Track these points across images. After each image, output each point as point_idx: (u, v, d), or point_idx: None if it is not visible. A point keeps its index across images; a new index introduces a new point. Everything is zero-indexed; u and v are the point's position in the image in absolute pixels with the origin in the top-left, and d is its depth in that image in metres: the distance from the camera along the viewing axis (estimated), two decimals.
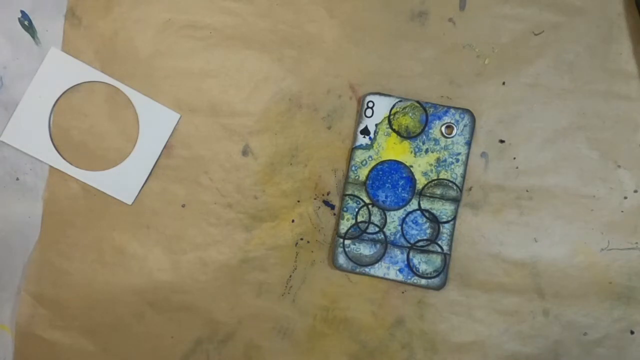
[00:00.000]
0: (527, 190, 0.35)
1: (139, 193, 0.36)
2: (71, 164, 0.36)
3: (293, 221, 0.36)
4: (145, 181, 0.36)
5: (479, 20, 0.35)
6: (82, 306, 0.36)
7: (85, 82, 0.36)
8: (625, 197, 0.34)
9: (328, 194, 0.36)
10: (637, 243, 0.34)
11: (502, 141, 0.35)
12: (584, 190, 0.35)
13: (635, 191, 0.34)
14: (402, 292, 0.35)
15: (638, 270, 0.34)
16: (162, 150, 0.36)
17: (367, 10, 0.35)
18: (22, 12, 0.36)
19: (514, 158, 0.35)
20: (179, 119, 0.36)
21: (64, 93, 0.36)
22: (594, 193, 0.35)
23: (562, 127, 0.35)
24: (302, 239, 0.36)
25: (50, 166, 0.36)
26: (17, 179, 0.37)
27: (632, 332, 0.34)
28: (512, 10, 0.35)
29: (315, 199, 0.36)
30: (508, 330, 0.35)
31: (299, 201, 0.36)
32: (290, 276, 0.36)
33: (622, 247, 0.34)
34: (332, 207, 0.36)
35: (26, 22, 0.36)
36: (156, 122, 0.36)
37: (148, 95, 0.36)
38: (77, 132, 0.36)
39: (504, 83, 0.35)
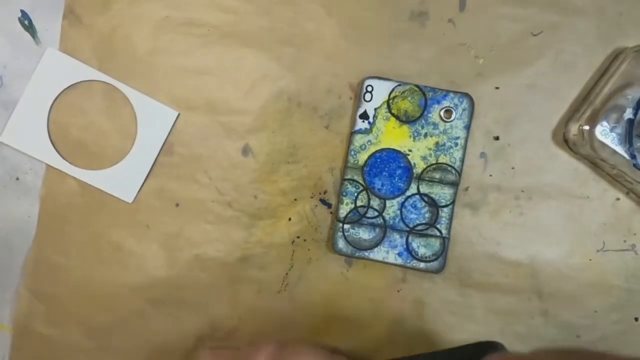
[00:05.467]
0: (522, 191, 0.35)
1: (138, 191, 0.36)
2: (70, 163, 0.36)
3: (290, 219, 0.36)
4: (145, 179, 0.36)
5: (478, 21, 0.35)
6: (79, 303, 0.37)
7: (83, 81, 0.36)
8: (618, 199, 0.34)
9: (325, 192, 0.36)
10: (633, 245, 0.34)
11: (496, 138, 0.35)
12: (578, 191, 0.34)
13: (627, 193, 0.34)
14: (398, 291, 0.35)
15: (634, 271, 0.34)
16: (161, 148, 0.36)
17: (365, 10, 0.35)
18: (22, 11, 0.36)
19: (511, 158, 0.35)
20: (177, 116, 0.36)
21: (61, 92, 0.36)
22: (588, 194, 0.34)
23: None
24: (298, 237, 0.36)
25: (47, 164, 0.37)
26: (17, 178, 0.37)
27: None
28: (511, 11, 0.34)
29: (312, 197, 0.36)
30: (504, 330, 0.35)
31: (296, 199, 0.36)
32: (287, 274, 0.36)
33: (618, 249, 0.34)
34: (329, 205, 0.36)
35: (26, 22, 0.36)
36: (154, 120, 0.36)
37: (146, 92, 0.36)
38: (75, 131, 0.36)
39: (502, 83, 0.35)
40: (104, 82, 0.36)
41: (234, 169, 0.36)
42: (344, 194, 0.35)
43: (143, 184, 0.36)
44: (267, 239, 0.36)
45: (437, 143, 0.34)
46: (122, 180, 0.36)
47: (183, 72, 0.36)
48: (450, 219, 0.34)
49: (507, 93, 0.35)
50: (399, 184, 0.34)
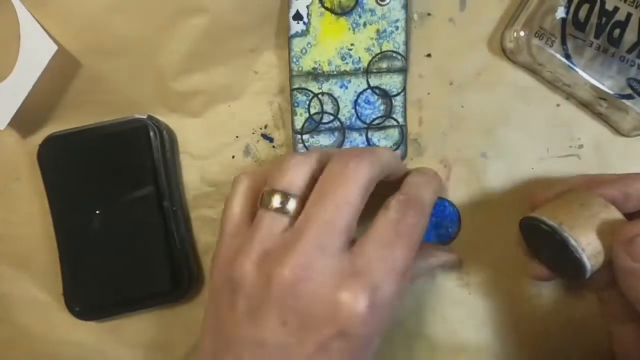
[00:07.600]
0: (462, 106, 0.34)
1: (10, 120, 0.33)
2: None
3: (233, 157, 0.35)
4: (18, 109, 0.33)
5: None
6: None
7: None
8: (558, 105, 0.34)
9: (265, 127, 0.35)
10: (580, 146, 0.34)
11: (428, 55, 0.34)
12: (519, 98, 0.34)
13: (567, 98, 0.34)
14: None
15: None
16: (37, 79, 0.32)
17: None
18: None
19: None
20: (56, 51, 0.32)
21: None
22: (528, 102, 0.34)
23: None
24: None
25: None
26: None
27: None
28: None
29: (253, 134, 0.35)
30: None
31: (237, 137, 0.35)
32: None
33: (561, 155, 0.34)
34: (271, 139, 0.35)
35: None
36: (34, 51, 0.32)
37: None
38: None
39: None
40: None
41: None
42: (296, 104, 0.33)
43: (16, 113, 0.33)
44: None
45: (377, 30, 0.33)
46: None
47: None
48: (404, 106, 0.34)
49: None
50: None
